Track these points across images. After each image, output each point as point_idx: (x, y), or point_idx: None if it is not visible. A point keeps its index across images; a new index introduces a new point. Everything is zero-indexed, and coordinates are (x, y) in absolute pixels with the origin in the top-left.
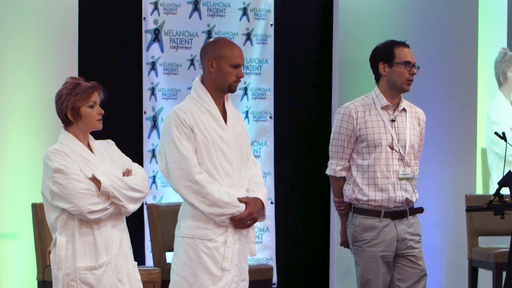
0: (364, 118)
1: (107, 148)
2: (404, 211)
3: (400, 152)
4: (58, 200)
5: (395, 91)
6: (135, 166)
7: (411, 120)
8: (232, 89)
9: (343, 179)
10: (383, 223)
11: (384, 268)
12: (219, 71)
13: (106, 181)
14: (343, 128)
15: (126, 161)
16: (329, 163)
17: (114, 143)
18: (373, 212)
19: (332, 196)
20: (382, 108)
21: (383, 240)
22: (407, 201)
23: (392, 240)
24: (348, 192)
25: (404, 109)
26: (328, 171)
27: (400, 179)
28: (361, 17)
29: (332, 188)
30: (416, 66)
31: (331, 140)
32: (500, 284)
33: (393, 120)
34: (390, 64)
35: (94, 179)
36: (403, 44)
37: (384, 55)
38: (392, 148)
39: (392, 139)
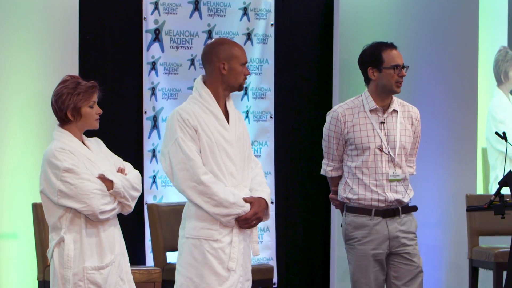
0: (352, 122)
1: (98, 146)
2: (396, 209)
3: (390, 154)
4: (67, 200)
5: (385, 94)
6: (127, 165)
7: (403, 120)
8: (242, 88)
9: (336, 178)
10: (374, 221)
11: (375, 266)
12: (231, 71)
13: (117, 181)
14: (332, 131)
15: (117, 160)
16: (322, 162)
17: (102, 141)
18: (364, 210)
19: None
20: (371, 111)
21: (374, 238)
22: (399, 202)
23: (384, 239)
24: (341, 191)
25: (394, 110)
26: (321, 171)
27: (390, 180)
28: (361, 17)
29: (329, 184)
30: (404, 67)
31: (322, 141)
32: (500, 284)
33: (382, 122)
34: (379, 69)
35: (103, 179)
36: (391, 46)
37: (372, 60)
38: (381, 151)
39: (381, 142)
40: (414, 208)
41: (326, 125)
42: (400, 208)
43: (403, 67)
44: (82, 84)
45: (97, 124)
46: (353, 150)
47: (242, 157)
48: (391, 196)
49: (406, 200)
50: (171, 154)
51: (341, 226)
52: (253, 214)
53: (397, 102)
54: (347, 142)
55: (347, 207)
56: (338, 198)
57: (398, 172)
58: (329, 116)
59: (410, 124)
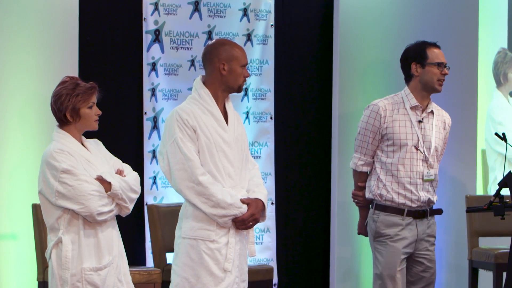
0: (392, 117)
1: (97, 147)
2: (425, 211)
3: (425, 154)
4: (65, 201)
5: (426, 91)
6: (126, 167)
7: (438, 123)
8: (241, 89)
9: (364, 173)
10: (405, 221)
11: (402, 265)
12: (231, 72)
13: (116, 183)
14: (370, 124)
15: (116, 161)
16: (352, 156)
17: (101, 142)
18: (396, 210)
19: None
20: (411, 108)
21: (405, 237)
22: (429, 202)
23: (413, 239)
24: (373, 187)
25: (432, 112)
26: (351, 164)
27: (424, 180)
28: (361, 18)
29: (354, 180)
30: (447, 67)
31: (356, 134)
32: (500, 285)
33: (420, 121)
34: (422, 65)
35: (101, 180)
36: (434, 45)
37: (416, 56)
38: (417, 149)
39: (418, 140)
40: (440, 211)
41: (364, 118)
42: (428, 210)
43: (445, 66)
44: (81, 85)
45: (96, 125)
46: (390, 146)
47: (240, 158)
48: (423, 195)
49: (435, 200)
50: (169, 154)
51: (365, 224)
52: (250, 215)
53: (433, 104)
54: (383, 137)
55: (377, 205)
56: (368, 195)
57: (431, 172)
58: (368, 109)
59: (443, 128)
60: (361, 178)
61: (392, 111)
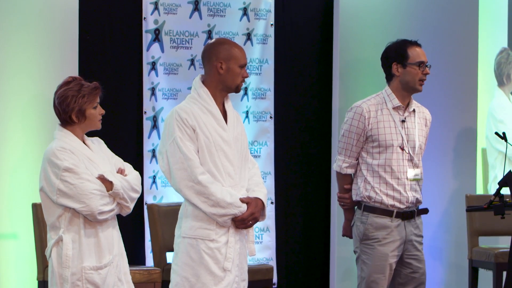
0: (376, 118)
1: (99, 146)
2: (412, 212)
3: (410, 153)
4: (66, 199)
5: (407, 91)
6: (127, 166)
7: (419, 121)
8: (239, 89)
9: (349, 176)
10: (394, 223)
11: (390, 269)
12: (229, 72)
13: (117, 182)
14: (354, 126)
15: (117, 160)
16: (336, 158)
17: (103, 141)
18: (385, 211)
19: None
20: (394, 108)
21: (394, 240)
22: (417, 201)
23: (401, 241)
24: (360, 190)
25: (413, 110)
26: (335, 167)
27: (410, 180)
28: (361, 17)
29: (337, 183)
30: (428, 65)
31: (340, 136)
32: (500, 285)
33: (403, 121)
34: (403, 65)
35: (103, 179)
36: (416, 44)
37: (397, 56)
38: (402, 149)
39: (402, 140)
40: (426, 211)
41: (347, 121)
42: (416, 210)
43: (426, 65)
44: (86, 85)
45: (100, 124)
46: (376, 147)
47: (240, 157)
48: (411, 195)
49: (421, 200)
50: (169, 153)
51: (351, 225)
52: (249, 215)
53: (414, 102)
54: (368, 139)
55: (366, 207)
56: (356, 197)
57: (417, 171)
58: (351, 111)
59: (425, 125)
60: (346, 180)
61: (376, 112)
